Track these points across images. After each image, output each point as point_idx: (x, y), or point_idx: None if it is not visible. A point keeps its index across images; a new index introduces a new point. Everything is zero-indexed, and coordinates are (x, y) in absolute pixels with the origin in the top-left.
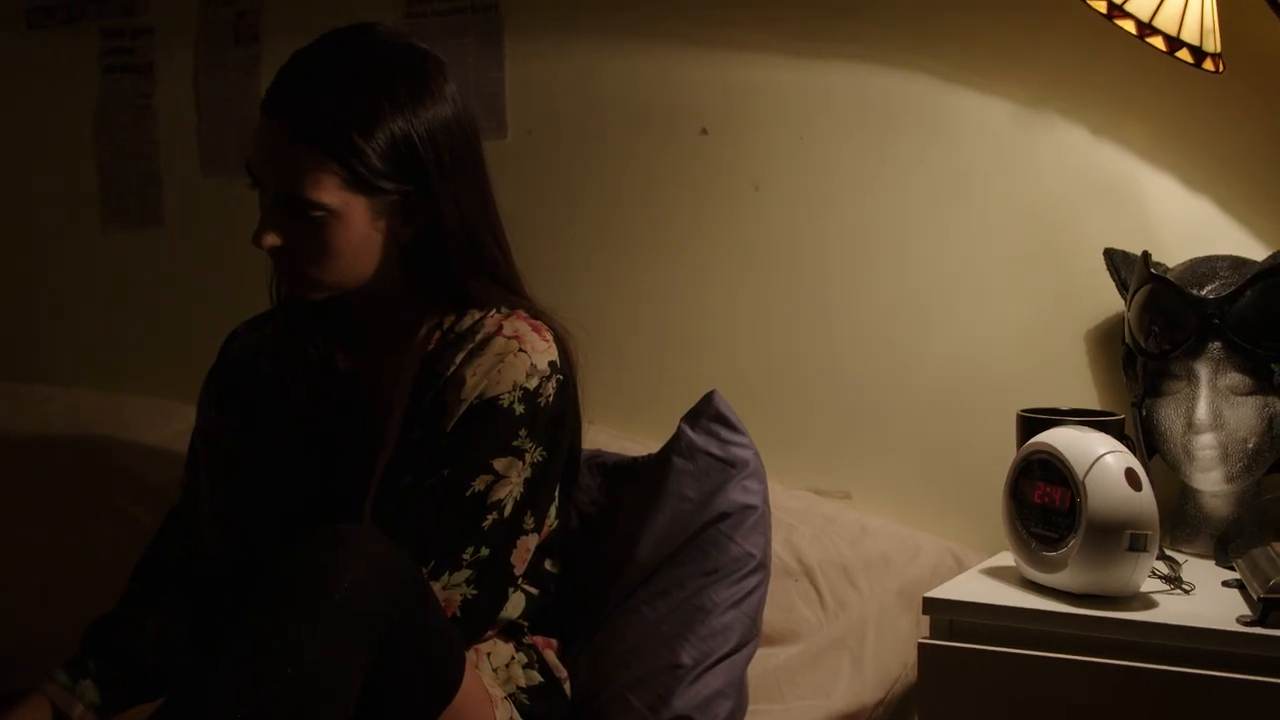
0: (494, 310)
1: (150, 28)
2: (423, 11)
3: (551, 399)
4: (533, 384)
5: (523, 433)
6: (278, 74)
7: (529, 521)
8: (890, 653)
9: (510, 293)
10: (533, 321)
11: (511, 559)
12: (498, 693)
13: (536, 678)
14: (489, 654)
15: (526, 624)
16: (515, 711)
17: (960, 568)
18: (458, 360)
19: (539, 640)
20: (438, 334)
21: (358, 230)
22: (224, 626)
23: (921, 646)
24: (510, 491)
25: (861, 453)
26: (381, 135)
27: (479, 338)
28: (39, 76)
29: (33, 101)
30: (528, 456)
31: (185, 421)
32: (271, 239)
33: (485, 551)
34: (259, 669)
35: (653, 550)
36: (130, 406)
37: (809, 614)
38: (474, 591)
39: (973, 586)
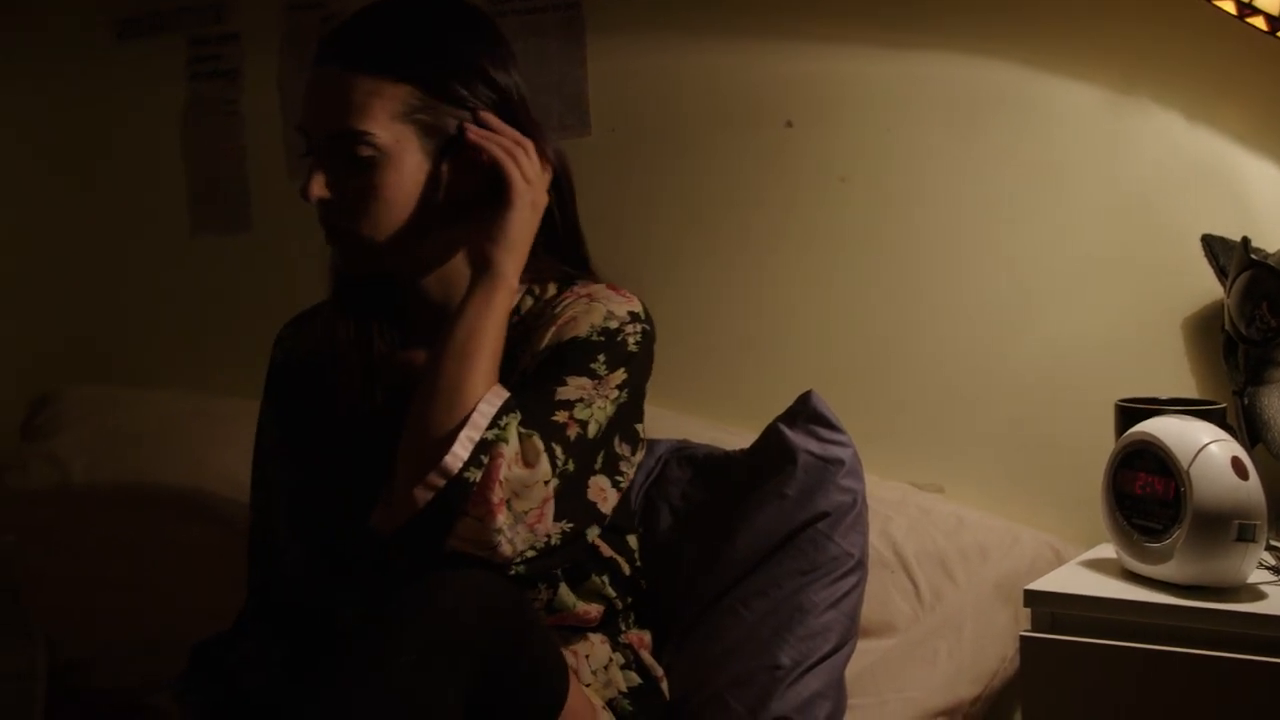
0: (573, 284)
1: (235, 34)
2: (504, 10)
3: (631, 341)
4: (612, 325)
5: (601, 358)
6: (331, 30)
7: (599, 460)
8: (988, 646)
9: (588, 274)
10: (614, 287)
11: (589, 491)
12: (598, 701)
13: (635, 679)
14: (587, 655)
15: (622, 609)
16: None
17: (1059, 560)
18: (536, 332)
19: (633, 638)
20: (515, 318)
21: (411, 170)
22: (319, 652)
23: (1024, 640)
24: (592, 414)
25: (956, 446)
26: (451, 56)
27: (558, 310)
28: (129, 85)
29: (123, 110)
30: (610, 380)
31: None
32: (319, 189)
33: (570, 467)
34: (355, 695)
35: (749, 548)
36: (221, 408)
37: (905, 606)
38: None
39: (1074, 579)
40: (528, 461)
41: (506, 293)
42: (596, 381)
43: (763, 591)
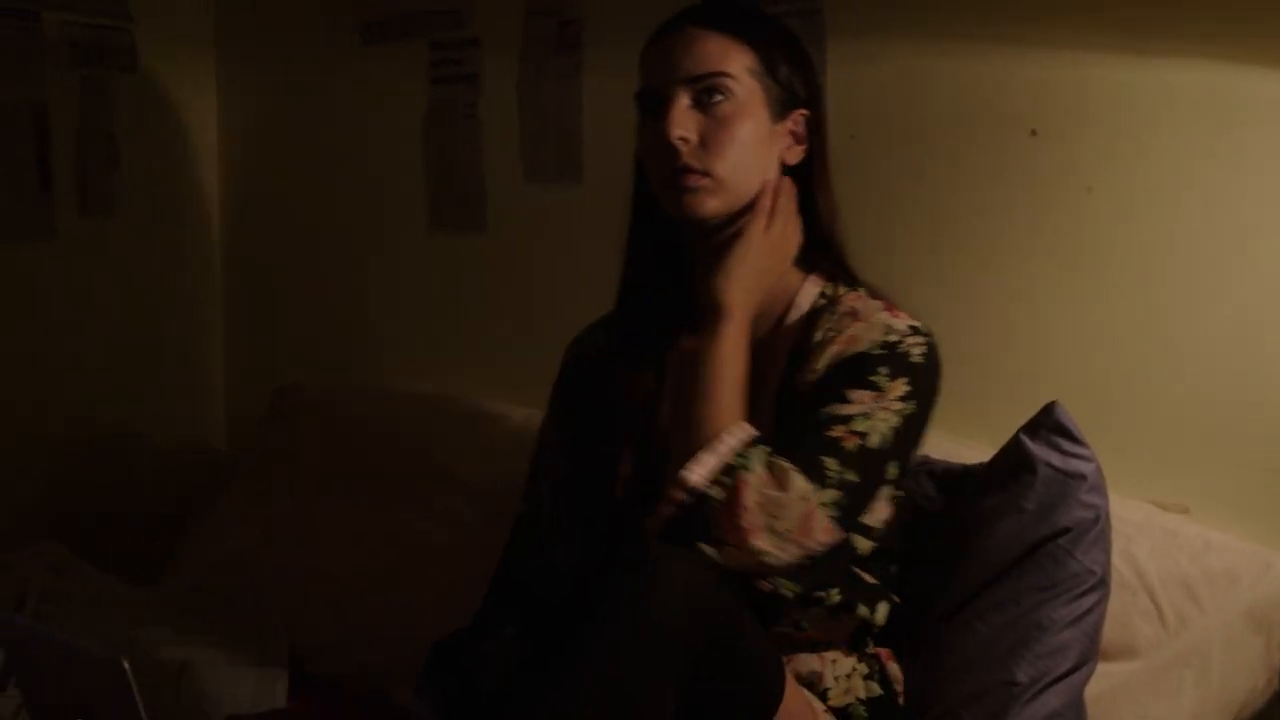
0: (852, 291)
1: (476, 40)
2: None
3: (914, 352)
4: (892, 338)
5: (883, 370)
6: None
7: (892, 470)
8: (1237, 676)
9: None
10: (890, 307)
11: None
12: (818, 705)
13: (876, 689)
14: (834, 660)
15: (877, 630)
16: None
17: None
18: (817, 338)
19: (882, 651)
20: (801, 316)
21: (758, 122)
22: (544, 650)
23: None
24: (873, 425)
25: (1204, 465)
26: (791, 47)
27: (838, 315)
28: (372, 89)
29: (366, 113)
30: (891, 392)
31: (504, 424)
32: (680, 129)
33: (852, 477)
34: (569, 694)
35: (986, 562)
36: (451, 406)
37: (1147, 630)
38: (838, 514)
39: None
40: (779, 484)
41: (735, 325)
42: (877, 394)
43: (1000, 606)
